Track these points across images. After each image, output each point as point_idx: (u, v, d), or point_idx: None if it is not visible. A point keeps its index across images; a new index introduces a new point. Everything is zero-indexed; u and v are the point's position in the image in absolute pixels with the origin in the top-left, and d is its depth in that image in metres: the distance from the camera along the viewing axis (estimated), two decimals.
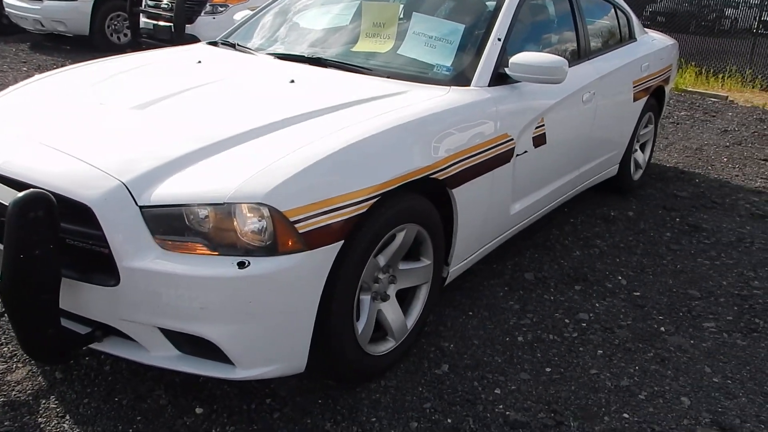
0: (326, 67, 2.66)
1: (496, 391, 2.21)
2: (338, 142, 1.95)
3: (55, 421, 1.97)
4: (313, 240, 1.79)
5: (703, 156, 5.28)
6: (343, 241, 1.88)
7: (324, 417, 2.04)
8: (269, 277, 1.75)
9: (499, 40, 2.65)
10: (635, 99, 3.80)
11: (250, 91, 2.43)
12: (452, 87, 2.47)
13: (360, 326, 2.08)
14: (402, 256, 2.21)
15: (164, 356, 1.88)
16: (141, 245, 1.75)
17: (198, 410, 2.05)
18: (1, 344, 2.30)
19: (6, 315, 1.75)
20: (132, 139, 2.00)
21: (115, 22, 8.32)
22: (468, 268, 2.69)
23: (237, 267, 1.73)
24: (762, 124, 6.53)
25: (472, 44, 2.66)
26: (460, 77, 2.55)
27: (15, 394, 2.07)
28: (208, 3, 7.14)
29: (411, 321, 2.31)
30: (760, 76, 8.86)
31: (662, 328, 2.68)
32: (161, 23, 7.16)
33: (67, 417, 1.99)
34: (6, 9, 8.33)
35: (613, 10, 3.87)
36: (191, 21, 7.05)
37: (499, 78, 2.59)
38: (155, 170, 1.84)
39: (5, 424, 1.94)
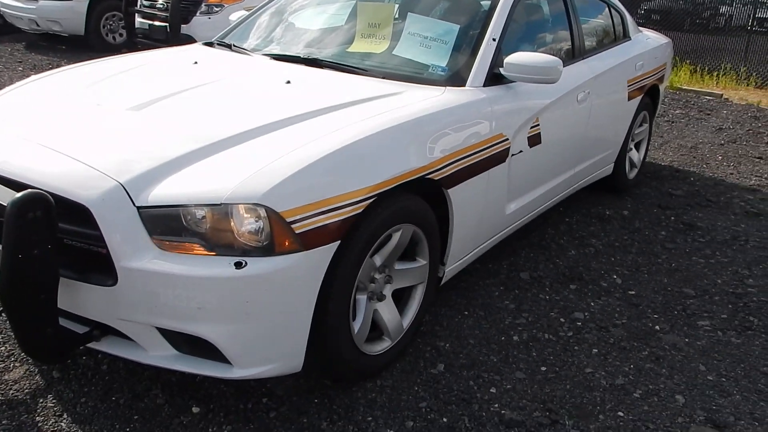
0: (322, 67, 2.66)
1: (491, 390, 2.23)
2: (334, 143, 1.96)
3: (53, 420, 1.98)
4: (309, 240, 1.80)
5: (697, 154, 5.30)
6: (339, 242, 1.89)
7: (320, 416, 2.06)
8: (266, 277, 1.76)
9: (494, 40, 2.67)
10: (630, 98, 3.81)
11: (247, 92, 2.44)
12: (447, 87, 2.49)
13: (356, 326, 2.09)
14: (398, 256, 2.22)
15: (162, 356, 1.89)
16: (138, 245, 1.76)
17: (195, 409, 2.05)
18: None
19: (4, 314, 1.76)
20: (129, 140, 2.00)
21: (111, 22, 8.30)
22: (464, 268, 2.71)
23: (234, 267, 1.74)
24: (756, 122, 6.56)
25: (467, 44, 2.67)
26: (456, 77, 2.56)
27: (12, 393, 2.08)
28: (204, 3, 7.13)
29: (407, 321, 2.32)
30: (754, 74, 8.90)
31: (657, 327, 2.70)
32: (157, 23, 7.14)
33: (65, 416, 2.00)
34: (1, 8, 8.31)
35: (607, 9, 3.89)
36: (186, 21, 7.04)
37: (494, 78, 2.60)
38: (152, 171, 1.85)
39: (3, 422, 1.95)
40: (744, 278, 3.19)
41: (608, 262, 3.27)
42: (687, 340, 2.62)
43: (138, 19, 7.45)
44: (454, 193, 2.33)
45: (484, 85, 2.56)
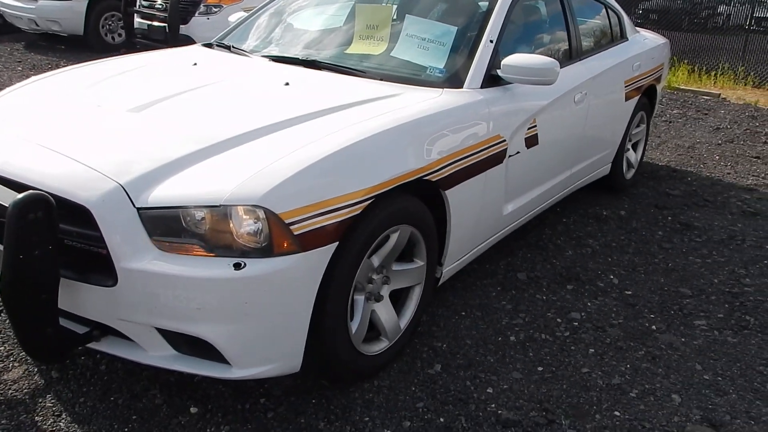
0: (320, 69, 2.68)
1: (488, 391, 2.24)
2: (332, 144, 1.97)
3: (52, 420, 1.99)
4: (308, 241, 1.82)
5: (695, 154, 5.32)
6: (337, 243, 1.90)
7: (317, 416, 2.07)
8: (265, 278, 1.78)
9: (491, 41, 2.68)
10: (627, 98, 3.83)
11: (246, 93, 2.45)
12: (445, 89, 2.50)
13: (354, 326, 2.10)
14: (396, 257, 2.24)
15: (161, 356, 1.90)
16: (138, 246, 1.78)
17: (193, 410, 2.07)
18: None
19: (5, 314, 1.77)
20: (129, 141, 2.02)
21: (110, 22, 8.31)
22: (461, 269, 2.72)
23: (233, 268, 1.76)
24: (754, 122, 6.58)
25: (464, 46, 2.68)
26: (453, 79, 2.57)
27: (12, 393, 2.09)
28: (202, 3, 7.14)
29: (404, 321, 2.33)
30: (752, 73, 8.91)
31: (653, 327, 2.72)
32: (155, 23, 7.15)
33: (64, 416, 2.01)
34: (1, 8, 8.31)
35: (604, 9, 3.90)
36: (185, 21, 7.05)
37: (492, 79, 2.62)
38: (152, 172, 1.86)
39: (2, 422, 1.96)
40: (740, 278, 3.20)
41: (605, 262, 3.29)
42: (683, 339, 2.64)
43: (137, 20, 7.46)
44: (452, 195, 2.35)
45: (482, 87, 2.58)
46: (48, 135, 2.08)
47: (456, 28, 2.72)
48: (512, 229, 3.03)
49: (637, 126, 4.28)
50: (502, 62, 2.57)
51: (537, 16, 3.24)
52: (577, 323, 2.70)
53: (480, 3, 2.88)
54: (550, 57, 2.67)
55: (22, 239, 1.66)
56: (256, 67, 2.77)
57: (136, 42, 7.49)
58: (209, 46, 3.19)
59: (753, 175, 4.84)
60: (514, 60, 2.56)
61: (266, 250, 1.78)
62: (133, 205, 1.79)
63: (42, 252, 1.69)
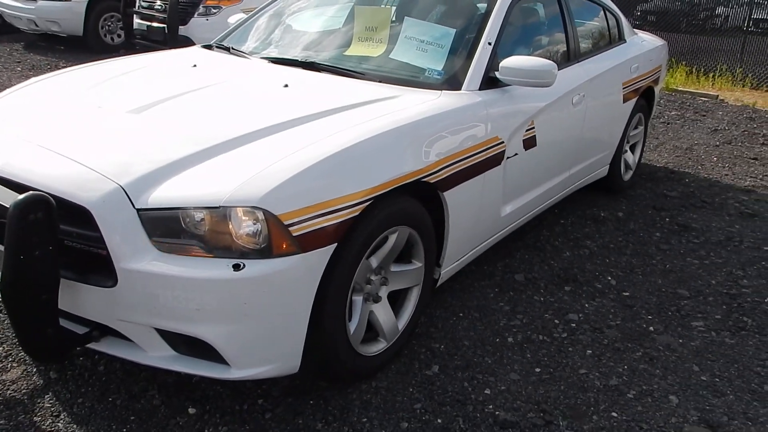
0: (319, 71, 2.69)
1: (486, 392, 2.25)
2: (331, 146, 1.98)
3: (50, 420, 2.00)
4: (306, 243, 1.83)
5: (693, 155, 5.33)
6: (336, 244, 1.91)
7: (315, 417, 2.08)
8: (264, 279, 1.78)
9: (490, 44, 2.69)
10: (625, 100, 3.84)
11: (245, 95, 2.46)
12: (443, 91, 2.51)
13: (352, 327, 2.11)
14: (394, 258, 2.25)
15: (160, 356, 1.91)
16: (138, 247, 1.79)
17: (191, 410, 2.07)
18: None
19: (6, 314, 1.78)
20: (129, 143, 2.03)
21: (109, 23, 8.31)
22: (459, 270, 2.73)
23: (232, 269, 1.77)
24: (752, 123, 6.59)
25: (462, 48, 2.69)
26: (451, 81, 2.58)
27: (10, 393, 2.10)
28: (202, 4, 7.15)
29: (402, 322, 2.34)
30: (750, 75, 8.92)
31: (651, 328, 2.73)
32: (155, 24, 7.16)
33: (62, 416, 2.02)
34: (0, 9, 8.31)
35: (602, 11, 3.92)
36: (184, 22, 7.06)
37: (490, 82, 2.63)
38: (152, 173, 1.87)
39: (1, 422, 1.97)
40: (738, 279, 3.21)
41: (603, 263, 3.30)
42: (681, 340, 2.65)
43: (136, 20, 7.47)
44: (450, 196, 2.36)
45: (480, 89, 2.59)
46: (48, 136, 2.09)
47: (454, 30, 2.73)
48: (510, 231, 3.04)
49: (635, 128, 4.29)
50: (501, 64, 2.59)
51: (535, 19, 3.26)
52: (574, 324, 2.71)
53: (478, 5, 2.89)
54: (548, 59, 2.68)
55: (22, 240, 1.67)
56: (256, 69, 2.78)
57: (135, 43, 7.50)
58: (209, 47, 3.20)
59: (751, 177, 4.85)
60: (512, 62, 2.57)
61: (265, 251, 1.79)
62: (133, 206, 1.80)
63: (42, 252, 1.70)
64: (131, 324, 1.87)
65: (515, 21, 2.94)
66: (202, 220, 1.80)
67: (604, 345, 2.58)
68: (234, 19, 3.51)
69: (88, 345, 1.96)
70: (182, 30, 6.98)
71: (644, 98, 4.23)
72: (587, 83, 3.32)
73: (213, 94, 2.43)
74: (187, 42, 6.26)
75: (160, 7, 7.12)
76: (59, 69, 2.86)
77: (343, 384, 2.22)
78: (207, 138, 2.03)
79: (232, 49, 3.08)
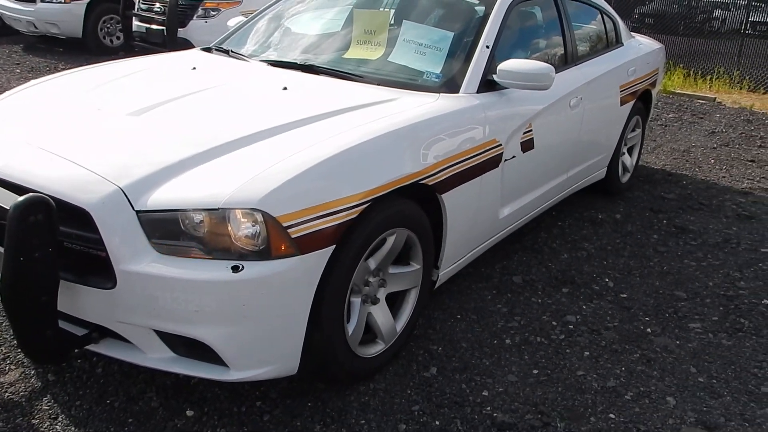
0: (318, 74, 2.70)
1: (483, 393, 2.25)
2: (330, 148, 1.99)
3: (48, 423, 2.00)
4: (305, 244, 1.84)
5: (690, 158, 5.34)
6: (334, 246, 1.92)
7: (313, 419, 2.08)
8: (262, 280, 1.79)
9: (488, 47, 2.70)
10: (622, 103, 3.85)
11: (244, 97, 2.47)
12: (441, 94, 2.52)
13: (350, 329, 2.12)
14: (392, 260, 2.25)
15: (159, 358, 1.92)
16: (137, 249, 1.79)
17: (189, 413, 2.08)
18: None
19: (5, 316, 1.78)
20: (129, 145, 2.04)
21: (108, 25, 8.32)
22: (457, 272, 2.74)
23: (231, 271, 1.77)
24: (749, 125, 6.61)
25: (461, 51, 2.70)
26: (450, 84, 2.59)
27: (8, 396, 2.10)
28: (201, 7, 7.15)
29: (400, 324, 2.35)
30: (747, 77, 8.94)
31: (648, 330, 2.73)
32: (154, 27, 7.16)
33: (60, 418, 2.02)
34: None
35: (599, 15, 3.93)
36: (183, 25, 7.06)
37: (488, 84, 2.64)
38: (151, 175, 1.88)
39: None
40: (735, 281, 3.22)
41: (600, 265, 3.31)
42: (678, 342, 2.65)
43: (135, 23, 7.48)
44: (448, 198, 2.37)
45: (478, 92, 2.60)
46: (48, 138, 2.10)
47: (452, 33, 2.75)
48: (508, 233, 3.05)
49: (633, 130, 4.30)
50: (498, 67, 2.60)
51: (533, 22, 3.27)
52: (572, 326, 2.72)
53: (476, 8, 2.91)
54: (546, 62, 2.69)
55: (22, 241, 1.68)
56: (255, 72, 2.79)
57: (134, 45, 7.51)
58: (208, 50, 3.21)
59: (748, 179, 4.87)
60: (509, 65, 2.58)
61: (264, 253, 1.80)
62: (133, 208, 1.81)
63: (42, 254, 1.71)
64: (130, 326, 1.87)
65: (513, 24, 2.95)
66: (201, 222, 1.81)
67: (602, 347, 2.59)
68: (233, 21, 3.52)
69: (87, 347, 1.97)
70: (181, 32, 6.99)
71: (642, 101, 4.24)
72: (585, 86, 3.33)
73: (212, 97, 2.44)
74: (186, 44, 6.27)
75: (159, 10, 7.13)
76: (58, 71, 2.87)
77: (341, 386, 2.22)
78: (206, 140, 2.04)
79: (232, 51, 3.09)
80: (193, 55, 3.13)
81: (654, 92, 4.46)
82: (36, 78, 2.82)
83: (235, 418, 2.07)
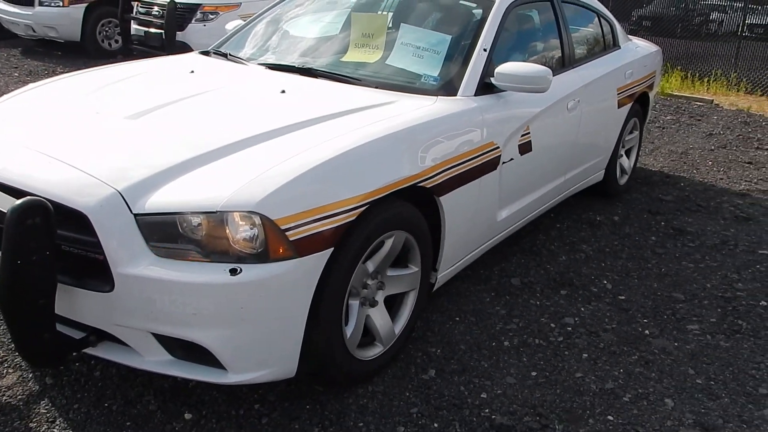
0: (316, 77, 2.70)
1: (482, 396, 2.26)
2: (328, 151, 2.00)
3: (46, 426, 2.00)
4: (303, 247, 1.84)
5: (688, 160, 5.35)
6: (332, 248, 1.92)
7: (312, 422, 2.08)
8: (260, 283, 1.79)
9: (485, 50, 2.71)
10: (620, 105, 3.86)
11: (242, 101, 2.47)
12: (439, 96, 2.53)
13: (349, 331, 2.12)
14: (390, 263, 2.25)
15: (157, 361, 1.92)
16: (135, 252, 1.79)
17: (187, 416, 2.07)
18: None
19: (3, 319, 1.78)
20: (127, 148, 2.04)
21: (107, 29, 8.32)
22: (455, 274, 2.74)
23: (229, 274, 1.77)
24: (746, 127, 6.63)
25: (458, 54, 2.71)
26: (447, 87, 2.60)
27: (6, 399, 2.10)
28: (199, 10, 7.16)
29: (399, 327, 2.35)
30: (744, 79, 8.97)
31: (647, 331, 2.74)
32: (152, 30, 7.18)
33: (58, 422, 2.02)
34: None
35: (596, 18, 3.94)
36: (182, 28, 7.07)
37: (485, 87, 2.65)
38: (149, 179, 1.88)
39: None
40: (733, 282, 3.23)
41: (598, 267, 3.31)
42: (676, 344, 2.66)
43: (134, 26, 7.48)
44: (446, 201, 2.37)
45: (476, 95, 2.61)
46: (46, 141, 2.10)
47: (450, 36, 2.75)
48: (506, 235, 3.05)
49: (630, 132, 4.31)
50: (496, 70, 2.60)
51: (530, 25, 3.28)
52: (570, 328, 2.72)
53: (474, 12, 2.92)
54: (543, 65, 2.70)
55: (20, 245, 1.68)
56: (253, 75, 2.79)
57: (132, 48, 7.52)
58: (206, 53, 3.21)
59: (745, 181, 4.88)
60: (507, 68, 2.59)
61: (262, 255, 1.80)
62: (131, 211, 1.81)
63: (40, 257, 1.71)
64: (128, 329, 1.87)
65: (510, 27, 2.96)
66: (199, 224, 1.81)
67: (600, 348, 2.59)
68: (231, 25, 3.52)
69: (85, 350, 1.96)
70: (180, 36, 7.00)
71: (639, 103, 4.25)
72: (582, 89, 3.34)
73: (210, 100, 2.44)
74: (184, 48, 6.28)
75: (157, 13, 7.14)
76: (56, 74, 2.87)
77: (339, 388, 2.22)
78: (204, 143, 2.04)
79: (230, 55, 3.10)
80: (192, 58, 3.14)
81: (651, 95, 4.47)
82: (34, 81, 2.83)
83: (233, 421, 2.07)
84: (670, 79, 8.96)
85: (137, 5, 7.47)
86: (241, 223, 1.80)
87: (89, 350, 1.96)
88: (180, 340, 1.85)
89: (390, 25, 2.89)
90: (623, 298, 3.02)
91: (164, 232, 1.82)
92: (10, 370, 2.23)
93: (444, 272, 2.59)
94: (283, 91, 2.51)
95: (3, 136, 2.19)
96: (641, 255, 3.49)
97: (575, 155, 3.46)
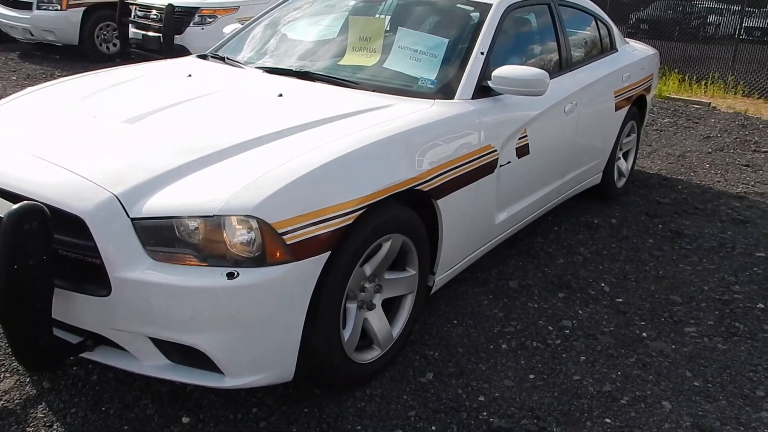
0: (314, 80, 2.71)
1: (480, 399, 2.26)
2: (325, 155, 2.00)
3: (43, 431, 1.99)
4: (300, 251, 1.84)
5: (685, 162, 5.37)
6: (330, 252, 1.92)
7: (310, 426, 2.08)
8: (258, 287, 1.79)
9: (482, 53, 2.72)
10: (617, 108, 3.87)
11: (240, 104, 2.48)
12: (436, 100, 2.53)
13: (346, 334, 2.12)
14: (388, 266, 2.25)
15: (154, 365, 1.91)
16: (132, 256, 1.79)
17: (185, 419, 2.07)
18: None
19: None
20: (124, 152, 2.04)
21: (105, 32, 8.33)
22: (453, 277, 2.74)
23: (226, 278, 1.77)
24: (744, 130, 6.64)
25: (455, 58, 2.72)
26: (445, 90, 2.60)
27: (2, 404, 2.09)
28: (197, 14, 7.17)
29: (396, 330, 2.35)
30: (742, 82, 8.99)
31: (644, 334, 2.74)
32: (150, 33, 7.18)
33: (55, 426, 2.01)
34: None
35: (594, 21, 3.95)
36: (180, 32, 7.08)
37: (483, 90, 2.65)
38: (147, 183, 1.88)
39: None
40: (730, 285, 3.23)
41: (596, 270, 3.32)
42: (674, 346, 2.66)
43: (132, 30, 7.49)
44: (444, 204, 2.37)
45: (473, 98, 2.61)
46: (43, 146, 2.10)
47: (447, 40, 2.76)
48: (504, 238, 3.06)
49: (628, 135, 4.32)
50: (493, 73, 2.61)
51: (527, 28, 3.29)
52: (568, 331, 2.73)
53: (471, 15, 2.92)
54: (541, 68, 2.71)
55: (17, 249, 1.67)
56: (250, 79, 2.80)
57: (130, 52, 7.52)
58: (204, 57, 3.21)
59: (743, 183, 4.89)
60: (504, 71, 2.59)
61: (259, 259, 1.80)
62: (128, 216, 1.81)
63: (36, 262, 1.71)
64: (125, 333, 1.87)
65: (508, 30, 2.97)
66: (197, 228, 1.81)
67: (598, 351, 2.59)
68: (229, 28, 3.53)
69: (82, 354, 1.96)
70: (178, 39, 7.00)
71: (636, 106, 4.26)
72: (579, 92, 3.35)
73: (207, 104, 2.44)
74: (182, 51, 6.28)
75: (155, 17, 7.14)
76: (54, 78, 2.87)
77: (337, 392, 2.22)
78: (201, 147, 2.04)
79: (227, 58, 3.10)
80: (189, 62, 3.14)
81: (649, 97, 4.48)
82: (32, 85, 2.83)
83: (231, 425, 2.07)
84: (668, 82, 8.98)
85: (135, 9, 7.48)
86: (238, 227, 1.80)
87: (86, 354, 1.96)
88: (177, 344, 1.85)
89: (387, 29, 2.90)
90: (621, 300, 3.02)
91: (161, 236, 1.82)
92: (7, 375, 2.23)
93: (442, 275, 2.59)
94: (281, 95, 2.52)
95: (0, 139, 2.19)
96: (639, 258, 3.49)
97: (573, 158, 3.46)
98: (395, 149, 2.17)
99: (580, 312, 2.89)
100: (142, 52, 7.22)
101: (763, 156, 5.70)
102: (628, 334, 2.73)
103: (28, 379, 2.21)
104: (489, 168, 2.60)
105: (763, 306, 3.04)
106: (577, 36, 3.73)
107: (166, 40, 6.85)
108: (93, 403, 2.12)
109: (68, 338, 1.96)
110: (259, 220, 1.78)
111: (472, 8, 2.95)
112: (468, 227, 2.61)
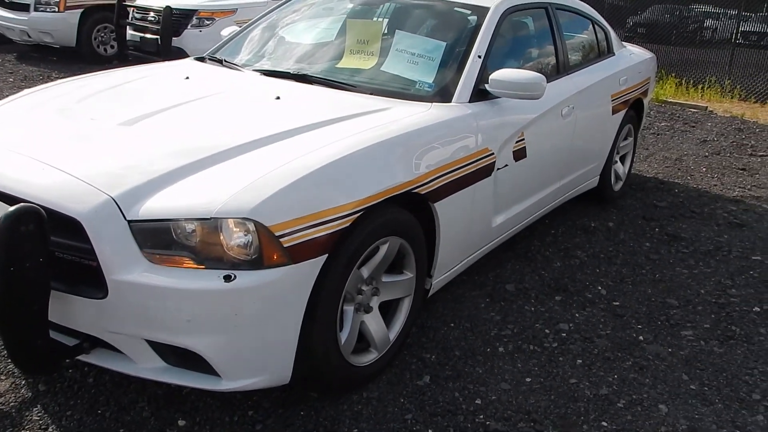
0: (311, 83, 2.71)
1: (476, 402, 2.26)
2: (323, 157, 2.00)
3: None
4: (297, 253, 1.84)
5: (682, 166, 5.38)
6: (327, 255, 1.92)
7: (306, 429, 2.07)
8: (255, 290, 1.79)
9: (480, 57, 2.72)
10: (614, 112, 3.88)
11: (237, 107, 2.48)
12: (434, 103, 2.54)
13: (343, 337, 2.12)
14: (385, 269, 2.26)
15: (151, 368, 1.91)
16: (129, 258, 1.79)
17: (181, 422, 2.07)
18: None
19: None
20: (121, 154, 2.04)
21: (102, 34, 8.33)
22: (450, 280, 2.74)
23: (223, 280, 1.77)
24: (740, 134, 6.67)
25: (453, 61, 2.72)
26: (442, 93, 2.61)
27: None
28: (195, 16, 7.17)
29: (393, 333, 2.35)
30: (738, 86, 9.02)
31: (641, 337, 2.74)
32: (148, 36, 7.18)
33: (50, 429, 2.01)
34: None
35: (591, 25, 3.97)
36: (178, 34, 7.08)
37: (480, 94, 2.66)
38: (143, 185, 1.88)
39: None
40: (727, 288, 3.24)
41: (593, 273, 3.32)
42: (670, 349, 2.66)
43: (129, 32, 7.49)
44: (441, 207, 2.37)
45: (470, 101, 2.62)
46: (40, 148, 2.09)
47: (445, 43, 2.77)
48: (501, 241, 3.06)
49: (625, 139, 4.33)
50: (490, 77, 2.62)
51: (525, 32, 3.30)
52: (565, 334, 2.73)
53: (469, 18, 2.93)
54: (538, 72, 2.71)
55: (13, 251, 1.67)
56: (248, 81, 2.80)
57: (128, 54, 7.52)
58: (201, 59, 3.22)
59: (739, 187, 4.90)
60: (501, 75, 2.60)
61: (256, 262, 1.80)
62: (124, 218, 1.81)
63: (33, 264, 1.70)
64: (122, 335, 1.87)
65: (505, 34, 2.98)
66: (194, 231, 1.81)
67: (594, 354, 2.59)
68: (227, 31, 3.53)
69: (78, 357, 1.96)
70: (175, 41, 7.01)
71: (633, 110, 4.27)
72: (576, 95, 3.36)
73: (205, 106, 2.44)
74: (180, 53, 6.28)
75: (153, 19, 7.14)
76: (52, 80, 2.87)
77: (334, 395, 2.22)
78: (198, 150, 2.04)
79: (225, 61, 3.10)
80: (186, 64, 3.14)
81: (646, 101, 4.50)
82: (29, 87, 2.82)
83: (228, 427, 2.06)
84: (665, 85, 9.01)
85: (133, 11, 7.48)
86: (235, 229, 1.80)
87: (82, 357, 1.96)
88: (174, 346, 1.84)
89: (385, 32, 2.90)
90: (617, 303, 3.02)
91: (158, 239, 1.82)
92: (3, 377, 2.22)
93: (439, 278, 2.59)
94: (278, 98, 2.52)
95: None
96: (635, 261, 3.50)
97: (570, 161, 3.47)
98: (392, 152, 2.17)
99: (577, 315, 2.89)
100: (139, 54, 7.21)
101: (759, 160, 5.72)
102: (625, 338, 2.73)
103: (23, 382, 2.20)
104: (486, 171, 2.60)
105: (759, 309, 3.04)
106: (575, 39, 3.75)
107: (163, 43, 6.86)
108: (89, 406, 2.11)
109: (64, 341, 1.95)
110: (256, 223, 1.78)
111: (469, 12, 2.96)
112: (465, 230, 2.61)
